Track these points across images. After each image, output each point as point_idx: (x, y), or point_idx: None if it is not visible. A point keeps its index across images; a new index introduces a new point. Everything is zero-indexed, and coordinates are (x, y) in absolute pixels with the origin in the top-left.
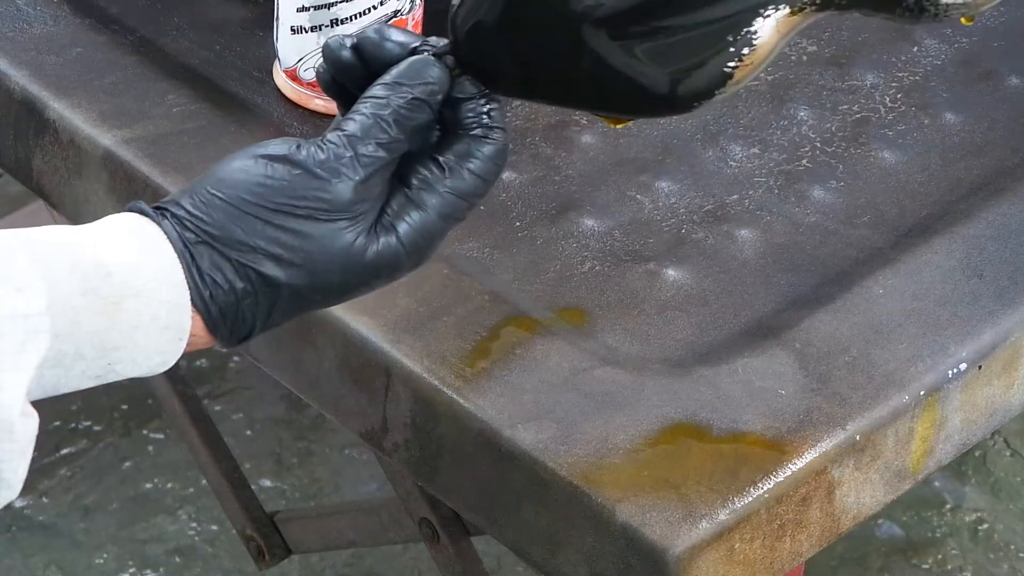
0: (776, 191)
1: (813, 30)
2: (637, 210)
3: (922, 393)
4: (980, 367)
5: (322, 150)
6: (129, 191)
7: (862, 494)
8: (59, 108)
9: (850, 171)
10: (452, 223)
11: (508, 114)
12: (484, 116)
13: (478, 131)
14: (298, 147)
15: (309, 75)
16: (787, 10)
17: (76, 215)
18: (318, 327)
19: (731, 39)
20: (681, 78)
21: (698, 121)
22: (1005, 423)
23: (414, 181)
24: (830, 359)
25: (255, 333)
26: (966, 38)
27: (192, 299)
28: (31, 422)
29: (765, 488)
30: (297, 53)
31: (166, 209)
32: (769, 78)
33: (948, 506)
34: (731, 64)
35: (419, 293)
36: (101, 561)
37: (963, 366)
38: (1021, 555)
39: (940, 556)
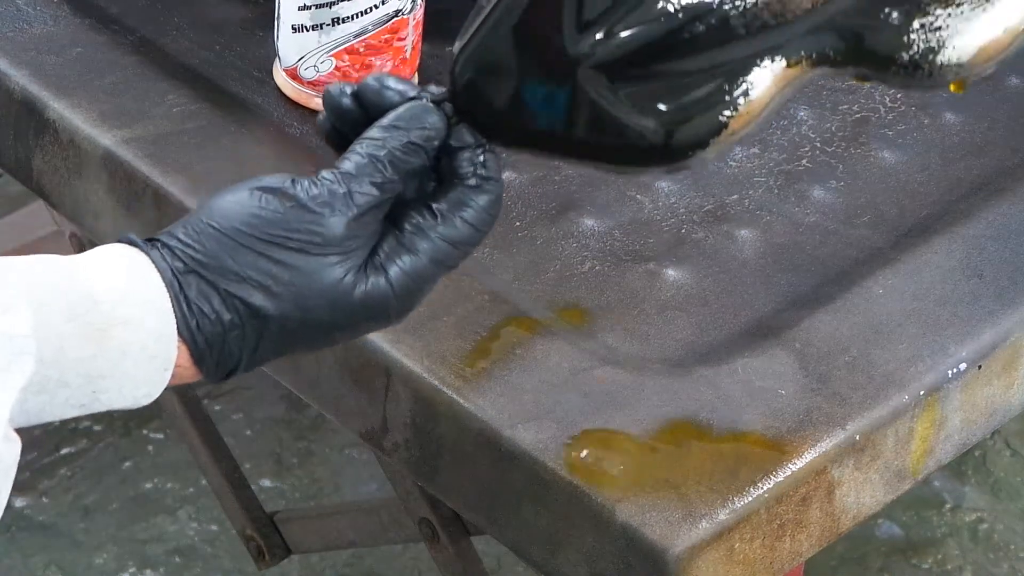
0: (776, 191)
1: None
2: (637, 210)
3: (922, 393)
4: (980, 367)
5: (316, 185)
6: (129, 191)
7: (862, 494)
8: (59, 108)
9: (850, 171)
10: (443, 270)
11: None
12: (479, 166)
13: (473, 180)
14: (293, 181)
15: (310, 74)
16: (783, 62)
17: (76, 215)
18: None
19: (727, 87)
20: (677, 125)
21: None
22: (1005, 423)
23: (407, 226)
24: (830, 359)
25: (241, 368)
26: None
27: (179, 329)
28: (14, 447)
29: (765, 488)
30: (298, 52)
31: (157, 240)
32: None
33: (948, 506)
34: (727, 113)
35: None
36: (101, 561)
37: (963, 366)
38: (1021, 555)
39: (940, 556)
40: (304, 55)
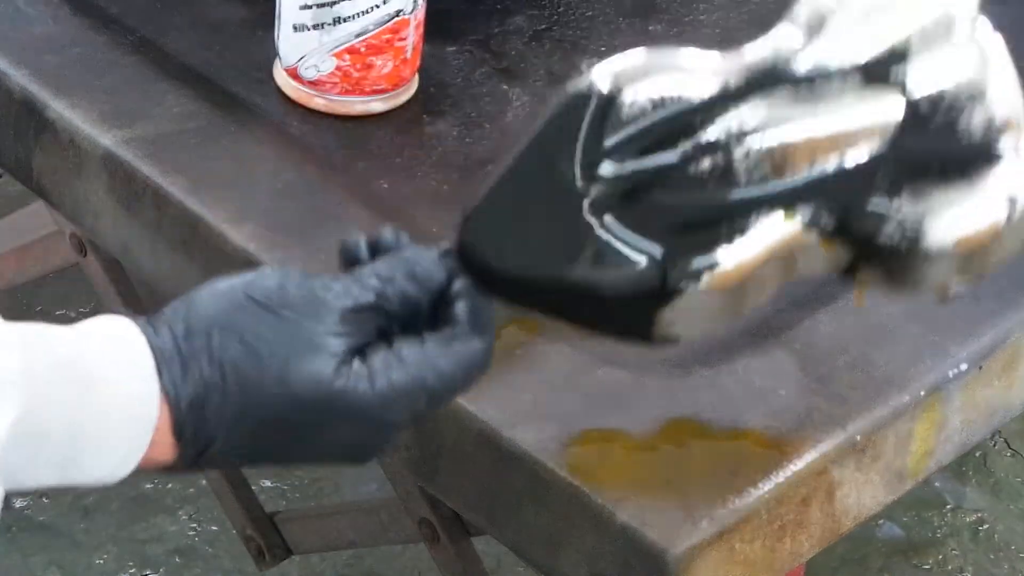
0: None
1: None
2: None
3: (922, 393)
4: (980, 367)
5: (317, 278)
6: (129, 191)
7: (862, 494)
8: (59, 108)
9: None
10: (423, 396)
11: (508, 114)
12: (474, 315)
13: (465, 327)
14: (288, 279)
15: (310, 74)
16: (779, 215)
17: (76, 215)
18: None
19: (726, 230)
20: (674, 259)
21: None
22: (1005, 423)
23: (397, 343)
24: (830, 359)
25: (214, 447)
26: None
27: (162, 388)
28: None
29: (765, 488)
30: (299, 51)
31: (144, 316)
32: None
33: (948, 506)
34: (722, 252)
35: None
36: (101, 561)
37: (963, 366)
38: (1021, 555)
39: (940, 556)
40: (305, 54)
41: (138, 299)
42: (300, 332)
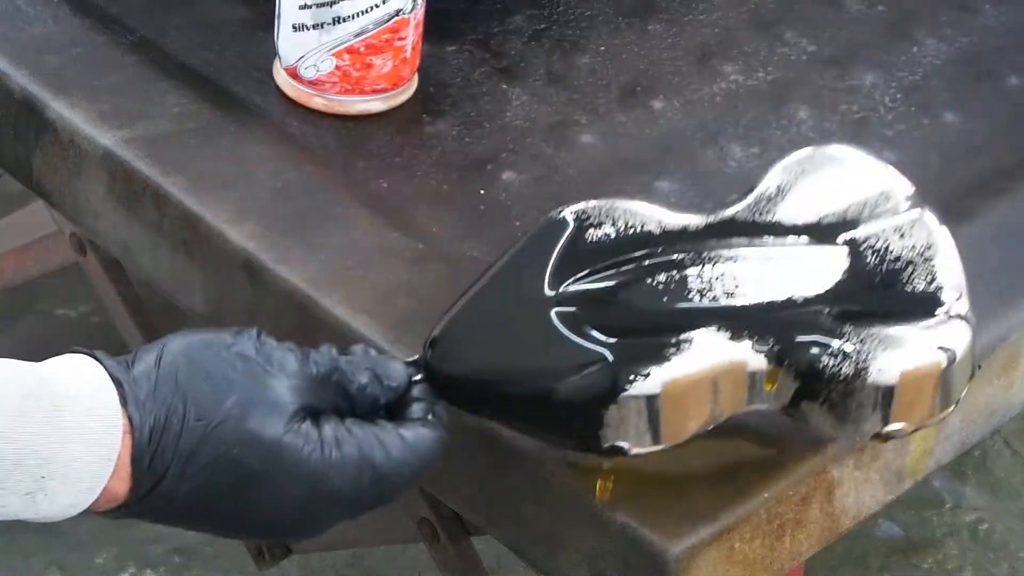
0: None
1: (813, 29)
2: None
3: None
4: (980, 367)
5: (288, 345)
6: (129, 191)
7: (862, 494)
8: (59, 108)
9: None
10: (367, 472)
11: (507, 114)
12: (428, 410)
13: (419, 419)
14: (264, 337)
15: (310, 73)
16: (726, 335)
17: (76, 215)
18: (318, 327)
19: (673, 339)
20: (624, 358)
21: (698, 121)
22: (1005, 423)
23: (349, 422)
24: None
25: (167, 480)
26: (966, 38)
27: (124, 410)
28: None
29: (765, 488)
30: (298, 51)
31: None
32: (769, 78)
33: (948, 506)
34: (669, 356)
35: (419, 293)
36: (101, 561)
37: None
38: (1021, 555)
39: (940, 556)
40: (304, 54)
41: (138, 299)
42: (264, 384)
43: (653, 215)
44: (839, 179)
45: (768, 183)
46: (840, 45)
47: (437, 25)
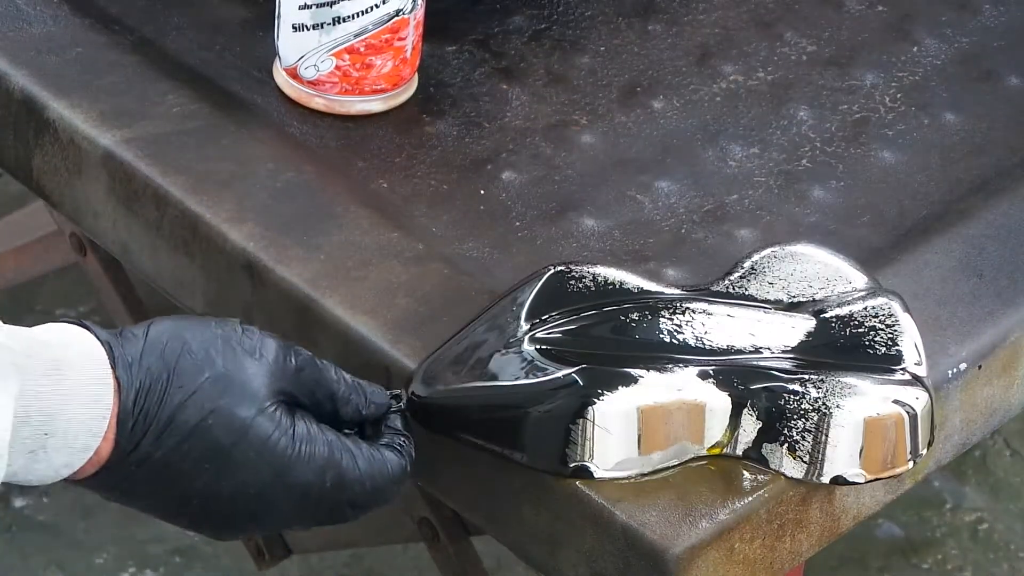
0: (776, 191)
1: (813, 29)
2: (637, 210)
3: None
4: (980, 367)
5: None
6: (129, 191)
7: (862, 494)
8: (59, 108)
9: (850, 171)
10: (330, 474)
11: (507, 114)
12: (399, 436)
13: (388, 444)
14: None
15: (310, 73)
16: (694, 371)
17: (76, 215)
18: (318, 327)
19: (639, 369)
20: (593, 382)
21: (698, 121)
22: (1005, 423)
23: (326, 425)
24: None
25: (146, 439)
26: (966, 38)
27: (115, 373)
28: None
29: (765, 488)
30: (298, 51)
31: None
32: (769, 78)
33: (948, 506)
34: (634, 383)
35: (419, 293)
36: (101, 561)
37: (963, 366)
38: (1021, 555)
39: (940, 556)
40: (304, 54)
41: (138, 299)
42: (241, 364)
43: (633, 280)
44: (809, 271)
45: (742, 267)
46: (840, 45)
47: (437, 25)
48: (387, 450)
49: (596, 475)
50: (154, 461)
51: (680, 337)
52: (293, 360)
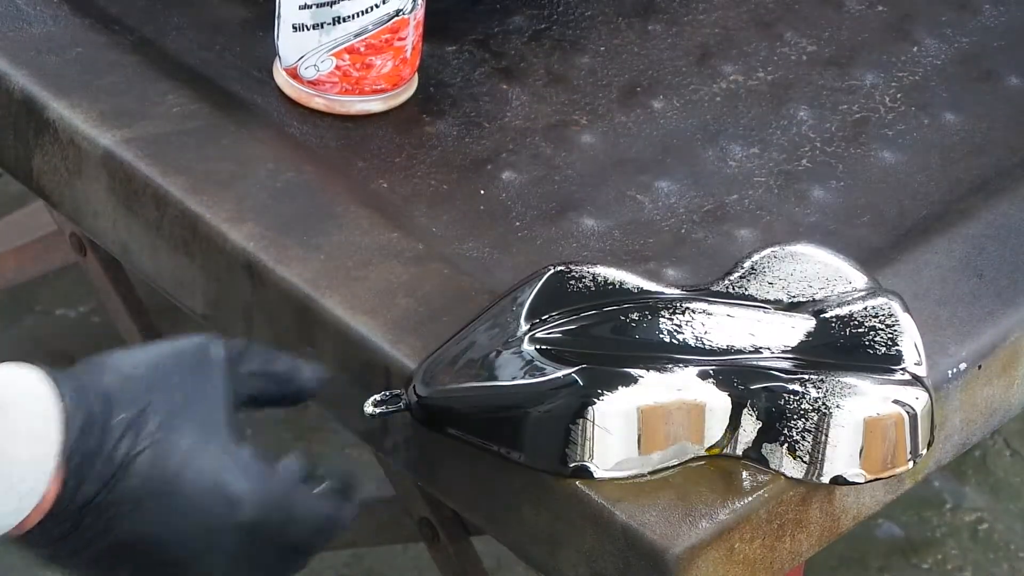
0: (776, 191)
1: (813, 29)
2: (637, 210)
3: None
4: (980, 367)
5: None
6: (129, 191)
7: (862, 494)
8: (59, 108)
9: (850, 171)
10: (271, 501)
11: (507, 114)
12: (349, 481)
13: (337, 487)
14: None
15: (310, 73)
16: (694, 371)
17: (76, 215)
18: (318, 327)
19: (638, 369)
20: (593, 380)
21: (698, 121)
22: (1005, 423)
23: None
24: None
25: (92, 480)
26: (966, 38)
27: (63, 404)
28: None
29: (765, 488)
30: (298, 51)
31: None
32: (769, 78)
33: (948, 506)
34: (633, 382)
35: (419, 293)
36: None
37: (963, 366)
38: (1021, 555)
39: (940, 556)
40: (304, 54)
41: (138, 299)
42: (195, 385)
43: (633, 280)
44: (809, 271)
45: (742, 267)
46: (840, 45)
47: (437, 25)
48: (331, 493)
49: (596, 475)
50: (99, 505)
51: (680, 337)
52: (255, 360)
